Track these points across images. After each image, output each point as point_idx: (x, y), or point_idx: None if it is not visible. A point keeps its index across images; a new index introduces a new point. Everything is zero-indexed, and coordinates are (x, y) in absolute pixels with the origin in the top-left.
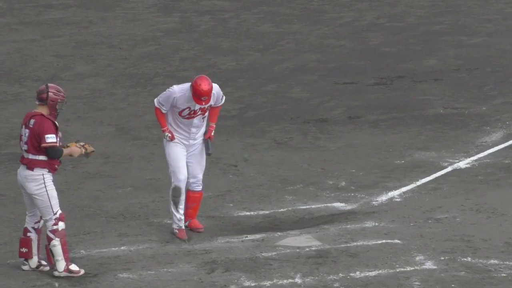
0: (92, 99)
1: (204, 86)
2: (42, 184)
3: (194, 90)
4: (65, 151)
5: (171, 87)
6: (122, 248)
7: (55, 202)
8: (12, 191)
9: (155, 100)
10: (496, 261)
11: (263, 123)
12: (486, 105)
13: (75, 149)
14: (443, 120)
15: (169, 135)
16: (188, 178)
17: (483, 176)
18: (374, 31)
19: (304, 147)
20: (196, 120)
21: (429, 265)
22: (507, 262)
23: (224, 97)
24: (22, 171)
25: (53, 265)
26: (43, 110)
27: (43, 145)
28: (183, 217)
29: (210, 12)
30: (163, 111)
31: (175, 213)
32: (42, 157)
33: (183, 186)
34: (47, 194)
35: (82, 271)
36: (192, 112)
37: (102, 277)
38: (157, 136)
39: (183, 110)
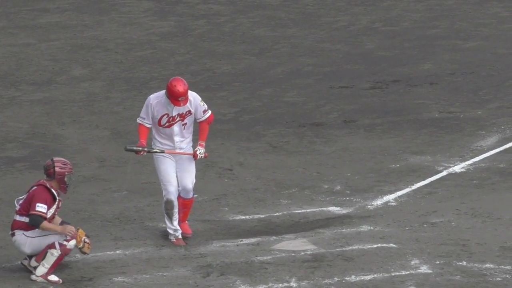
0: (87, 103)
1: (179, 87)
2: (27, 239)
3: (170, 92)
4: (56, 226)
5: (147, 98)
6: (117, 252)
7: (45, 232)
8: (8, 194)
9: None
10: (491, 265)
11: (258, 127)
12: (481, 109)
13: (69, 228)
14: (438, 124)
15: (143, 149)
16: (178, 187)
17: (478, 180)
18: (369, 35)
19: (299, 151)
20: (176, 128)
21: (424, 269)
22: (502, 266)
23: (209, 111)
24: (12, 238)
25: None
26: (52, 183)
27: (32, 212)
28: (178, 228)
29: (206, 16)
30: (147, 125)
31: (169, 225)
32: (25, 219)
33: (174, 199)
34: (36, 238)
35: (60, 281)
36: (170, 119)
37: (97, 281)
38: (152, 140)
39: (161, 117)
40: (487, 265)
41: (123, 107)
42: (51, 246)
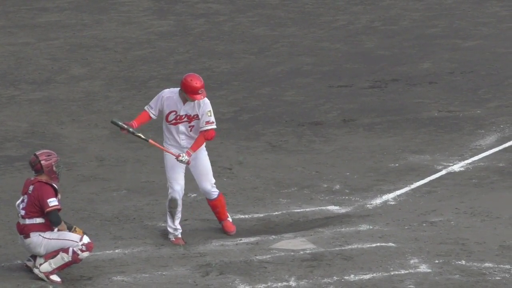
0: (86, 102)
1: (196, 81)
2: (43, 240)
3: (188, 88)
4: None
5: (162, 90)
6: (116, 251)
7: (63, 236)
8: (7, 193)
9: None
10: (490, 264)
11: (257, 126)
12: (480, 108)
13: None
14: (438, 123)
15: (127, 129)
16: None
17: (478, 179)
18: (368, 34)
19: (298, 150)
20: (182, 127)
21: (423, 268)
22: (502, 265)
23: (213, 125)
24: (21, 241)
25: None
26: (42, 177)
27: (48, 209)
28: (178, 227)
29: (205, 15)
30: (150, 115)
31: (170, 224)
32: (39, 220)
33: (179, 197)
34: (53, 241)
35: (61, 281)
36: (178, 117)
37: (96, 280)
38: (152, 139)
39: (169, 113)
40: (486, 264)
41: (122, 106)
42: (65, 250)
